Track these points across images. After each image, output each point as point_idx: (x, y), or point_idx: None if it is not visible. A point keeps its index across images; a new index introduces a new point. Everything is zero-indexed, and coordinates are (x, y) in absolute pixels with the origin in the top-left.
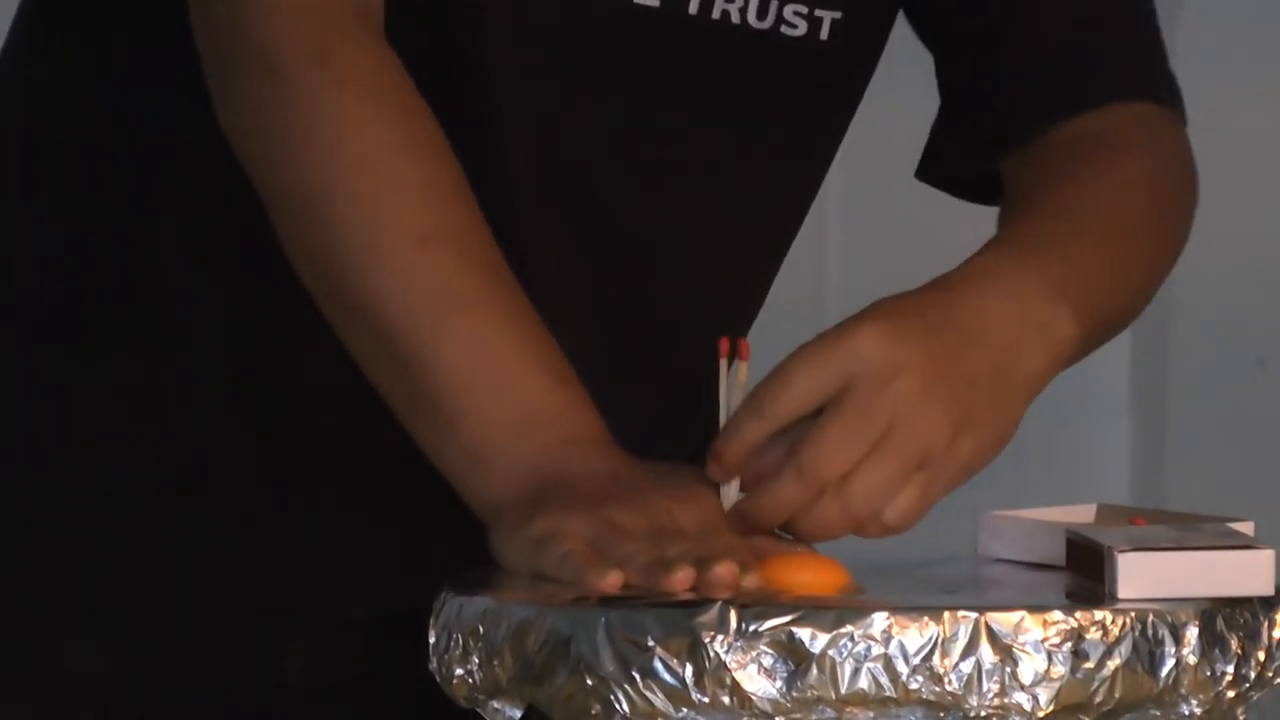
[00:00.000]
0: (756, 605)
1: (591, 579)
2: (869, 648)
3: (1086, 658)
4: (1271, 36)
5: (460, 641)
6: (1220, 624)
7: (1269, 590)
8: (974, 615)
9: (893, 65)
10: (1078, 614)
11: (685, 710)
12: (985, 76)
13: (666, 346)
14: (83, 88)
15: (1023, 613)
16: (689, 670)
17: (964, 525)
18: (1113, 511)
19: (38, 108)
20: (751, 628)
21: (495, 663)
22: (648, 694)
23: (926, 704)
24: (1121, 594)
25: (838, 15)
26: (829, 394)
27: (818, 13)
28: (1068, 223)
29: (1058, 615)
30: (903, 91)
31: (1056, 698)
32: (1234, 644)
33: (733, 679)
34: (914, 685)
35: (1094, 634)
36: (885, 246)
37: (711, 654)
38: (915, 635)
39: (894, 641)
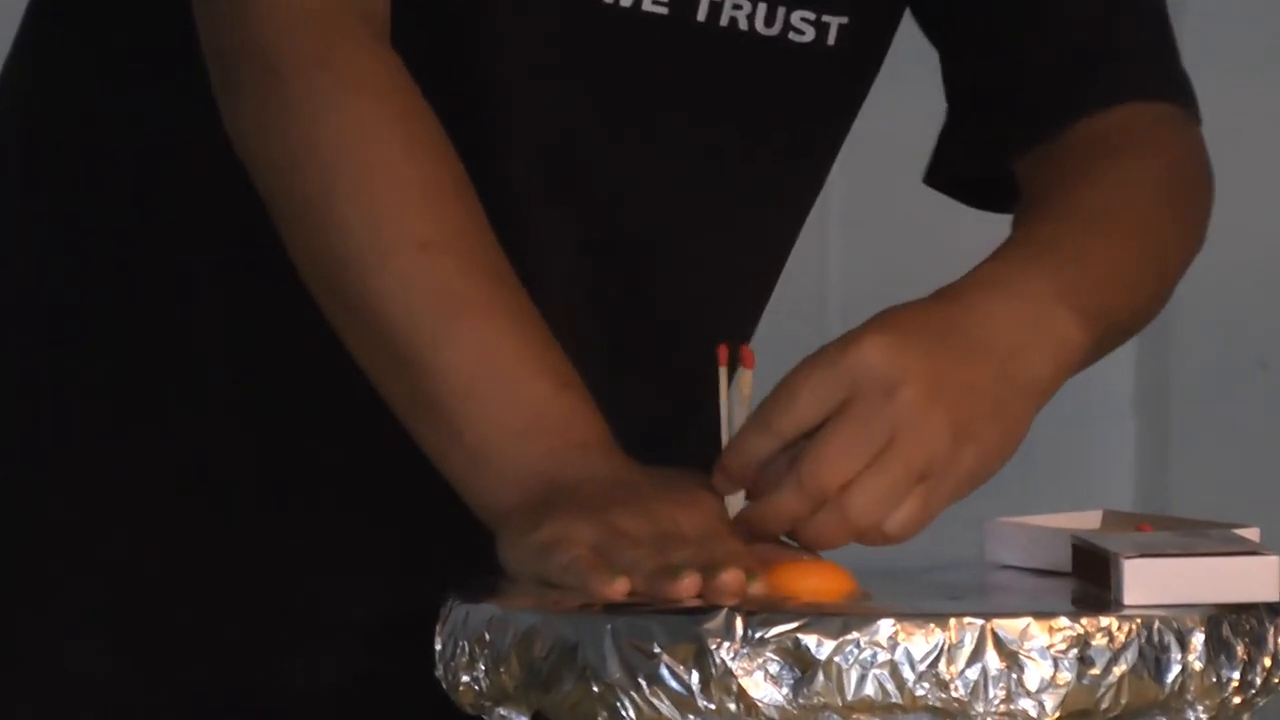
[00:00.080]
0: (762, 612)
1: (597, 585)
2: (875, 654)
3: (1093, 664)
4: (1274, 38)
5: (466, 648)
6: (1226, 630)
7: (1275, 596)
8: (980, 622)
9: (894, 67)
10: (1084, 620)
11: (691, 717)
12: (996, 77)
13: (668, 347)
14: (84, 88)
15: (1029, 619)
16: (695, 677)
17: (970, 531)
18: (1119, 517)
19: (39, 108)
20: (758, 634)
21: (501, 669)
22: (654, 700)
23: (933, 710)
24: (1127, 600)
25: (844, 20)
26: (833, 406)
27: (825, 18)
28: (1078, 225)
29: (1064, 621)
30: (904, 93)
31: (1063, 704)
32: (1240, 650)
33: (739, 686)
34: (920, 692)
35: (1100, 640)
36: (886, 248)
37: (718, 661)
38: (921, 642)
39: (900, 648)
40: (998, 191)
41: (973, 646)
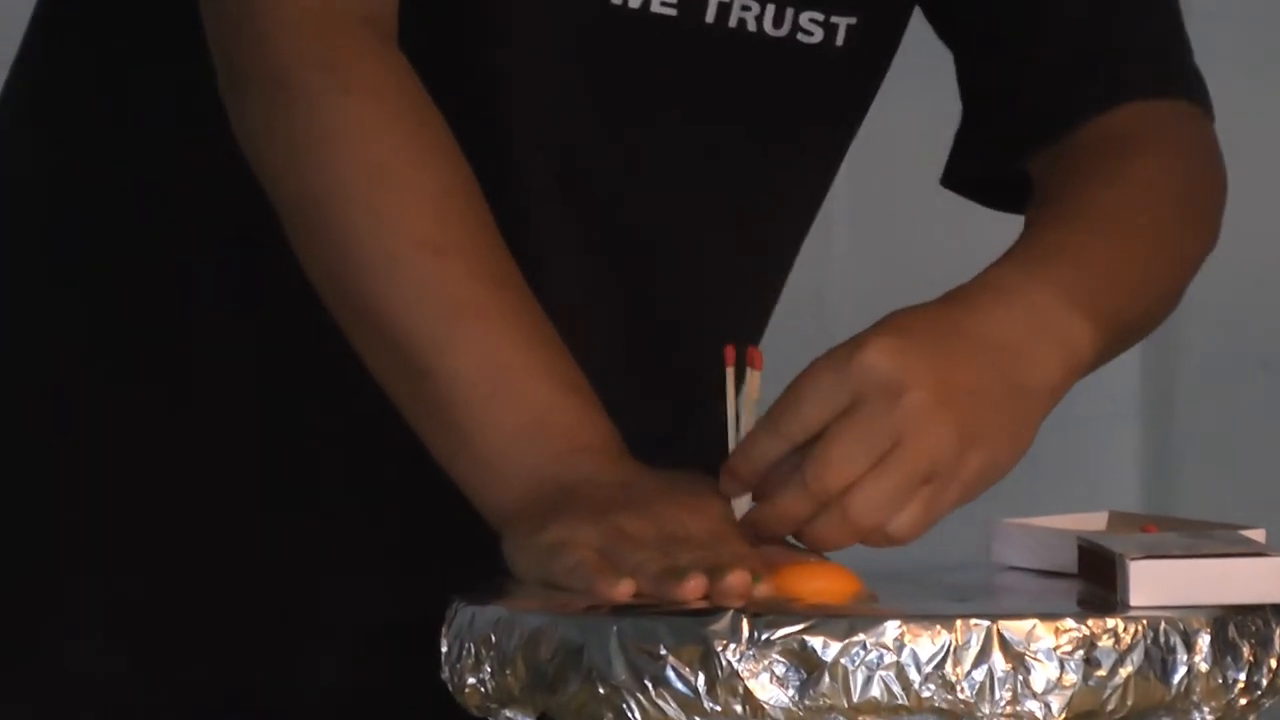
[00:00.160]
0: (768, 614)
1: (603, 588)
2: (881, 656)
3: (1099, 665)
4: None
5: (472, 650)
6: (1232, 631)
7: None
8: (986, 623)
9: (900, 69)
10: (1090, 621)
11: (697, 718)
12: (1007, 76)
13: (675, 348)
14: (89, 89)
15: (1035, 620)
16: (701, 679)
17: (976, 532)
18: (1124, 519)
19: (45, 110)
20: (764, 636)
21: (507, 672)
22: (660, 703)
23: (939, 712)
24: (1133, 601)
25: (853, 21)
26: (839, 409)
27: (833, 19)
28: (1087, 225)
29: (1070, 623)
30: (910, 95)
31: (1069, 705)
32: (1246, 651)
33: (745, 688)
34: (926, 693)
35: (1106, 641)
36: (892, 250)
37: (724, 662)
38: (927, 643)
39: (906, 650)
40: (1015, 192)
41: (979, 648)
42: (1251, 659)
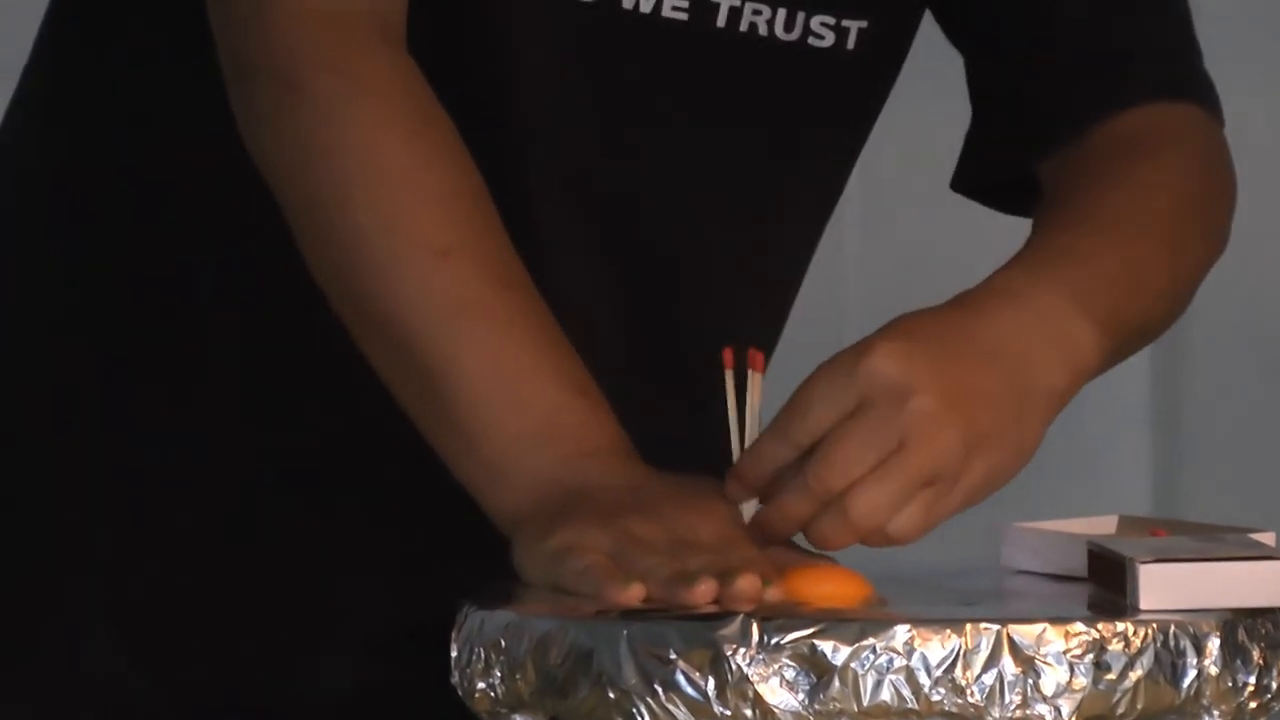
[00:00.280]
0: (778, 617)
1: (612, 592)
2: (891, 660)
3: (1109, 669)
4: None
5: (482, 655)
6: (1242, 635)
7: None
8: (996, 627)
9: (911, 73)
10: (1100, 625)
11: None
12: (1016, 80)
13: (684, 350)
14: (97, 89)
15: (1045, 624)
16: (711, 683)
17: (986, 536)
18: (1134, 523)
19: (55, 110)
20: (773, 640)
21: (517, 676)
22: (670, 707)
23: (949, 716)
24: (1143, 605)
25: (864, 25)
26: (845, 412)
27: (844, 23)
28: (1094, 229)
29: (1080, 627)
30: (921, 98)
31: (1079, 709)
32: (1255, 654)
33: (755, 692)
34: (936, 697)
35: (1116, 645)
36: (903, 253)
37: (734, 667)
38: (937, 647)
39: (916, 654)
40: (1025, 195)
41: (989, 652)
42: (1261, 662)
